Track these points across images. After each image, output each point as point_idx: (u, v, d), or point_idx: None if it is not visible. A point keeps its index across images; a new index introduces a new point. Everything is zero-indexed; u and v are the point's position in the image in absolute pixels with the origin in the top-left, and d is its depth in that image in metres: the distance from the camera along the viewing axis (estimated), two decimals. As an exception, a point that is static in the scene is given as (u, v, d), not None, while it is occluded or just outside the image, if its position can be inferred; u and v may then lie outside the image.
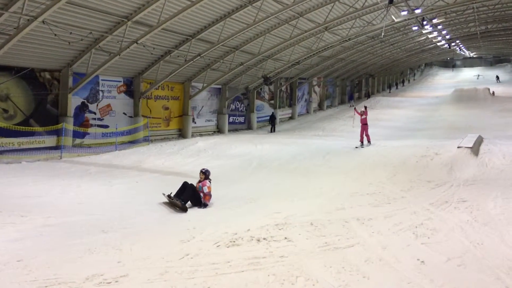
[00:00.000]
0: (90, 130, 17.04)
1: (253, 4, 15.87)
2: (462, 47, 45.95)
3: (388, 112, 30.35)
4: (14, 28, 11.75)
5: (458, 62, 70.30)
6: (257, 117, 27.64)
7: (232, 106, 25.74)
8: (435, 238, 5.77)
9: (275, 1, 16.10)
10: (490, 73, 57.32)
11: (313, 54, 24.81)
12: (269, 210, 7.65)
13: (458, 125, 22.98)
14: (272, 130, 25.84)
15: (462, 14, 25.63)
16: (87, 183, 10.55)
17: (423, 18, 22.28)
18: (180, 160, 14.54)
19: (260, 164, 13.66)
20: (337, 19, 19.50)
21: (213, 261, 5.06)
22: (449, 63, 70.13)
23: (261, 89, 27.89)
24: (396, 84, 53.80)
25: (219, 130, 24.35)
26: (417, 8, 19.00)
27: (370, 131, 16.46)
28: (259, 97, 28.14)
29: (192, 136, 21.63)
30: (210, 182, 8.83)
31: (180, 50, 17.76)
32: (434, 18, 24.66)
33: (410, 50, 37.39)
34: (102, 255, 5.43)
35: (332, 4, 18.01)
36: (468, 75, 59.93)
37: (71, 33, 13.32)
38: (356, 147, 15.69)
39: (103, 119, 17.69)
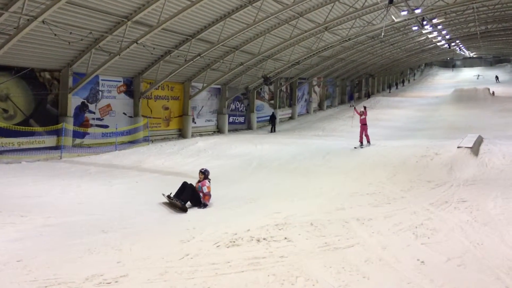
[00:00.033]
0: (90, 130, 17.05)
1: (253, 4, 15.87)
2: (462, 47, 45.96)
3: (388, 112, 30.36)
4: (14, 28, 11.74)
5: (458, 62, 70.32)
6: (257, 117, 27.63)
7: (232, 106, 25.74)
8: (435, 238, 5.77)
9: (275, 1, 16.10)
10: (490, 73, 57.36)
11: (313, 54, 24.81)
12: (269, 210, 7.65)
13: (458, 125, 22.98)
14: (273, 130, 25.84)
15: (462, 14, 25.64)
16: (87, 183, 10.55)
17: (423, 18, 22.28)
18: (180, 160, 14.54)
19: (260, 164, 13.66)
20: (337, 19, 19.50)
21: (213, 261, 5.06)
22: (449, 63, 70.15)
23: (261, 89, 27.90)
24: (396, 84, 53.81)
25: (219, 130, 24.35)
26: (417, 8, 19.00)
27: (370, 131, 16.44)
28: (259, 97, 28.14)
29: (192, 136, 21.63)
30: (209, 182, 8.83)
31: (180, 50, 17.76)
32: (434, 18, 24.67)
33: (410, 50, 37.40)
34: (102, 255, 5.43)
35: (332, 4, 18.01)
36: (468, 75, 59.97)
37: (71, 33, 13.32)
38: (355, 148, 15.65)
39: (103, 119, 17.69)
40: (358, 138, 16.18)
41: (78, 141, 16.30)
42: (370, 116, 17.27)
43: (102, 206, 8.55)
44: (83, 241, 6.02)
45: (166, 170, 12.79)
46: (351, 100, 39.93)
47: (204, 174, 8.95)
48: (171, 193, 8.59)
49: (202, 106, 23.33)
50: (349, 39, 23.68)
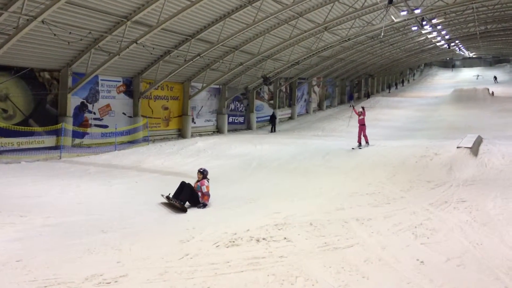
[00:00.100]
0: (89, 130, 17.04)
1: (253, 4, 15.87)
2: (462, 47, 45.98)
3: (388, 112, 30.37)
4: (14, 28, 11.74)
5: (457, 62, 70.36)
6: (257, 117, 27.64)
7: (232, 106, 25.74)
8: (434, 238, 5.78)
9: (275, 1, 16.10)
10: (489, 73, 57.38)
11: (313, 54, 24.81)
12: (268, 210, 7.64)
13: (458, 125, 22.99)
14: (273, 130, 25.85)
15: (462, 14, 25.65)
16: (86, 183, 10.54)
17: (423, 18, 22.28)
18: (180, 160, 14.53)
19: (259, 164, 13.65)
20: (336, 19, 19.50)
21: (212, 261, 5.06)
22: (449, 63, 70.18)
23: (260, 89, 27.90)
24: (396, 84, 53.82)
25: (218, 130, 24.35)
26: (417, 8, 19.01)
27: (369, 131, 16.42)
28: (259, 97, 28.14)
29: (192, 136, 21.63)
30: (208, 182, 8.82)
31: (180, 50, 17.76)
32: (433, 18, 24.69)
33: (410, 50, 37.41)
34: (102, 255, 5.42)
35: (331, 4, 18.02)
36: (467, 75, 60.00)
37: (70, 33, 13.31)
38: (353, 148, 15.58)
39: (102, 119, 17.68)
40: (357, 139, 16.17)
41: (77, 141, 16.30)
42: (369, 116, 17.29)
43: (102, 206, 8.54)
44: (82, 241, 6.01)
45: (166, 170, 12.78)
46: (350, 100, 39.95)
47: (203, 173, 8.95)
48: (169, 194, 8.58)
49: (202, 106, 23.33)
50: (348, 39, 23.69)
